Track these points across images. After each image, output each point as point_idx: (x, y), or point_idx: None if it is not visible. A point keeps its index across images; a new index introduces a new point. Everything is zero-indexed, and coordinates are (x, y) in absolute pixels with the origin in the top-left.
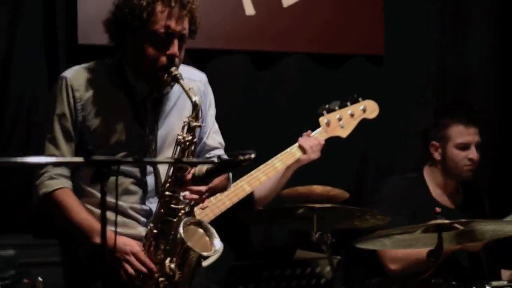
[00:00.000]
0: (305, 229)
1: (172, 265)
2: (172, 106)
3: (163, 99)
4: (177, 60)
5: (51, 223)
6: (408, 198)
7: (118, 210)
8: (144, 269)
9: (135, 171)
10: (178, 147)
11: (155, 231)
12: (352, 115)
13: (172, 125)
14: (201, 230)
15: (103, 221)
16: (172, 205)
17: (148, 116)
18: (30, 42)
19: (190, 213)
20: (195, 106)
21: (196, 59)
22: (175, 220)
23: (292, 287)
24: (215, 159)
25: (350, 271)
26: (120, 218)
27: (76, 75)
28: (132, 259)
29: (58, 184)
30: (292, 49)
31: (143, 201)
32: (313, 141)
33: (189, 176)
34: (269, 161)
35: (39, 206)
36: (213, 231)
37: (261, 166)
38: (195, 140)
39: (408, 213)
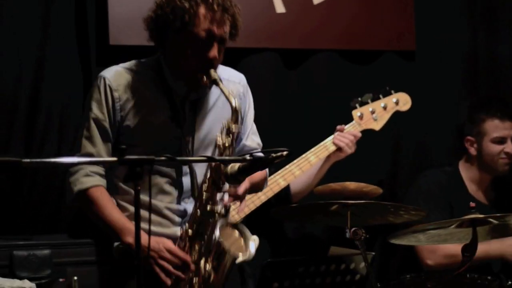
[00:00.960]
0: (338, 225)
1: (208, 267)
2: (211, 107)
3: (202, 100)
4: (216, 63)
5: (86, 222)
6: (445, 191)
7: (153, 209)
8: (179, 262)
9: (171, 171)
10: (217, 150)
11: (190, 232)
12: (385, 108)
13: (210, 127)
14: (236, 233)
15: (137, 220)
16: (209, 207)
17: (186, 117)
18: (62, 43)
19: (227, 214)
20: (235, 111)
21: (226, 57)
22: (211, 221)
23: (326, 284)
24: (248, 157)
25: (384, 267)
26: (155, 217)
27: (115, 75)
28: (166, 254)
29: (93, 181)
30: (322, 46)
31: (178, 201)
32: (348, 137)
33: (230, 194)
34: (303, 155)
35: (73, 203)
36: (249, 234)
37: (295, 161)
38: (234, 145)
39: (445, 206)
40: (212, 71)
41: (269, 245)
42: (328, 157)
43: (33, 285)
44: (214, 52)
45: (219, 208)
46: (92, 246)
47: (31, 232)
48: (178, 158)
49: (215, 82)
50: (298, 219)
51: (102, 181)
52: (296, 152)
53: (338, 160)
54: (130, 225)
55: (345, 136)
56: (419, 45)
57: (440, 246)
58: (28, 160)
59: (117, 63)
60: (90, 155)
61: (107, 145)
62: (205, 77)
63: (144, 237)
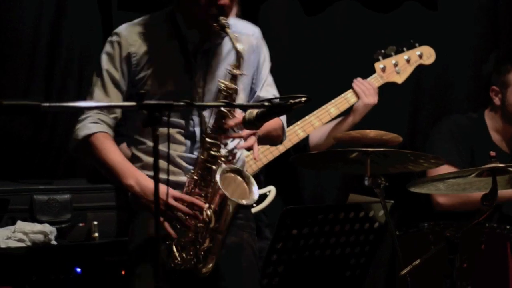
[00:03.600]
0: (358, 173)
1: (209, 212)
2: (223, 59)
3: (214, 51)
4: (227, 9)
5: None
6: (468, 136)
7: (165, 158)
8: (187, 207)
9: (183, 122)
10: (221, 95)
11: (195, 177)
12: (408, 61)
13: (221, 77)
14: (239, 178)
15: (156, 166)
16: (213, 152)
17: (198, 68)
18: None
19: (230, 159)
20: (238, 54)
21: (247, 4)
22: (215, 167)
23: (345, 231)
24: (266, 103)
25: (403, 215)
26: (166, 165)
27: (130, 31)
28: (173, 201)
29: (100, 128)
30: None
31: (191, 151)
32: (366, 84)
33: (230, 123)
34: (323, 106)
35: (76, 151)
36: (252, 179)
37: (315, 112)
38: (237, 88)
39: (466, 150)
40: (221, 18)
41: (288, 193)
42: (350, 114)
43: (53, 229)
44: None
45: (223, 153)
46: (112, 191)
47: (51, 176)
48: (196, 103)
49: (223, 28)
50: (318, 166)
51: (109, 130)
52: (316, 103)
53: (362, 117)
54: (133, 168)
55: (363, 83)
56: None
57: None
58: (47, 104)
59: (137, 6)
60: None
61: (119, 95)
62: (215, 24)
63: (149, 184)
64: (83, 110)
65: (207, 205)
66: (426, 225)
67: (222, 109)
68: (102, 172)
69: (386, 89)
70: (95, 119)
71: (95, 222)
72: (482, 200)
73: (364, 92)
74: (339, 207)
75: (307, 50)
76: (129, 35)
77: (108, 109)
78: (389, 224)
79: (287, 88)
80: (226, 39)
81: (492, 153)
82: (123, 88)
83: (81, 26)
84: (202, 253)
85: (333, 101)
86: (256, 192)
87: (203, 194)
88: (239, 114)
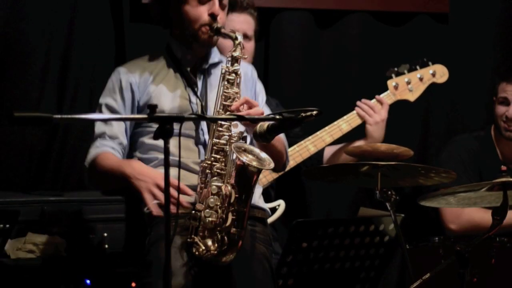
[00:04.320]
0: (368, 186)
1: (229, 187)
2: (220, 78)
3: (211, 69)
4: (218, 18)
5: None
6: (476, 158)
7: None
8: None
9: (193, 132)
10: (224, 80)
11: (209, 162)
12: (421, 79)
13: (219, 95)
14: (250, 155)
15: (167, 178)
16: (223, 133)
17: (198, 84)
18: (95, 1)
19: (241, 139)
20: (236, 39)
21: (259, 16)
22: (226, 147)
23: (355, 244)
24: (277, 116)
25: (413, 229)
26: (182, 172)
27: (129, 65)
28: (156, 190)
29: (101, 150)
30: (355, 7)
31: (203, 156)
32: (369, 104)
33: (234, 106)
34: (335, 122)
35: (91, 183)
36: (263, 154)
37: (326, 127)
38: (239, 71)
39: (475, 173)
40: (214, 23)
41: (298, 207)
42: (365, 138)
43: (63, 240)
44: (214, 7)
45: (233, 133)
46: (122, 203)
47: (62, 188)
48: (207, 116)
49: (218, 30)
50: (328, 179)
51: (113, 151)
52: (327, 117)
53: (381, 135)
54: (129, 161)
55: (365, 103)
56: (453, 7)
57: (465, 210)
58: (59, 116)
59: (149, 20)
60: (103, 133)
61: (120, 125)
62: (209, 31)
63: (141, 166)
64: (94, 122)
65: (224, 183)
66: (437, 239)
67: (226, 91)
68: (113, 185)
69: (398, 104)
70: (97, 145)
71: (105, 234)
72: (493, 214)
73: (368, 112)
74: (349, 220)
75: (319, 64)
76: (129, 68)
77: (110, 135)
78: (399, 238)
79: (298, 102)
80: (221, 64)
81: (504, 168)
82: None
83: (93, 39)
84: (226, 235)
85: (344, 117)
86: (269, 161)
87: (217, 174)
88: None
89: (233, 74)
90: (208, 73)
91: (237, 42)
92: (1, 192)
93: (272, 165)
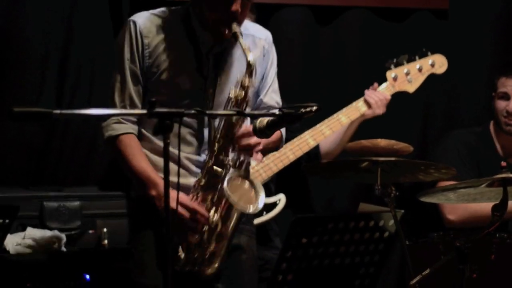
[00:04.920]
0: (368, 182)
1: (216, 217)
2: (233, 62)
3: (226, 54)
4: (239, 16)
5: (116, 175)
6: (474, 152)
7: (173, 159)
8: (190, 214)
9: (193, 122)
10: (230, 103)
11: (202, 182)
12: (420, 70)
13: (231, 81)
14: (247, 184)
15: (166, 173)
16: (221, 157)
17: (210, 70)
18: None
19: (238, 166)
20: (249, 66)
21: (258, 12)
22: (223, 172)
23: (355, 240)
24: (277, 112)
25: (413, 225)
26: (175, 167)
27: (146, 22)
28: (180, 208)
29: (125, 129)
30: (355, 3)
31: (198, 152)
32: (379, 96)
33: (239, 132)
34: (334, 115)
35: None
36: (260, 187)
37: (325, 120)
38: (247, 98)
39: (473, 167)
40: (234, 24)
41: (298, 202)
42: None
43: (63, 236)
44: (236, 6)
45: (230, 159)
46: (122, 199)
47: (61, 183)
48: (208, 111)
49: (234, 35)
50: (328, 175)
51: (134, 128)
52: (327, 111)
53: (366, 119)
54: (156, 177)
55: (376, 94)
56: (452, 3)
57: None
58: (58, 111)
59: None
60: (123, 101)
61: (138, 88)
62: (227, 30)
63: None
64: (97, 116)
65: (213, 210)
66: (436, 235)
67: (232, 118)
68: (127, 173)
69: (397, 99)
70: (119, 118)
71: (105, 229)
72: (493, 211)
73: (377, 103)
74: (349, 216)
75: (319, 60)
76: (145, 25)
77: (131, 103)
78: (399, 233)
79: (298, 97)
80: (236, 48)
81: (503, 164)
82: (140, 79)
83: (92, 36)
84: (208, 255)
85: (343, 110)
86: (262, 200)
87: (209, 198)
88: (247, 127)
89: (240, 102)
90: (221, 58)
91: (250, 67)
92: (1, 187)
93: (261, 205)
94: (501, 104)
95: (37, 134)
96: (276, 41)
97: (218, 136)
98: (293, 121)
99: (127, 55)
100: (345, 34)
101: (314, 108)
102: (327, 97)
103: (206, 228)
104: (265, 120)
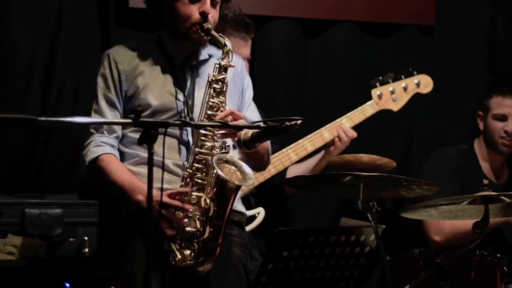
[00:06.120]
0: (351, 197)
1: (207, 200)
2: (207, 71)
3: (200, 66)
4: (210, 18)
5: (97, 184)
6: (459, 170)
7: (160, 167)
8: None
9: (177, 132)
10: (210, 88)
11: (190, 170)
12: (405, 89)
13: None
14: (233, 167)
15: (150, 181)
16: (206, 143)
17: (187, 82)
18: (82, 5)
19: (223, 149)
20: (225, 46)
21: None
22: (209, 158)
23: (336, 254)
24: (262, 124)
25: (394, 241)
26: (165, 175)
27: (118, 51)
28: (168, 199)
29: (104, 150)
30: (342, 17)
31: (186, 158)
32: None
33: (219, 117)
34: (317, 131)
35: (87, 177)
36: (244, 165)
37: (308, 136)
38: (226, 79)
39: (457, 185)
40: (205, 24)
41: (279, 215)
42: (325, 155)
43: (43, 243)
44: (206, 6)
45: (217, 144)
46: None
47: (43, 191)
48: (192, 122)
49: (208, 31)
50: (310, 189)
51: (114, 151)
52: (312, 126)
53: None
54: (140, 184)
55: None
56: (439, 21)
57: (449, 222)
58: (43, 118)
59: (136, 25)
60: (101, 132)
61: (115, 113)
62: (199, 31)
63: (156, 195)
64: (83, 127)
65: (204, 195)
66: (417, 251)
67: (211, 100)
68: (113, 193)
69: (382, 114)
70: (98, 142)
71: (86, 238)
72: (474, 228)
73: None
74: (330, 230)
75: (305, 72)
76: (118, 54)
77: (108, 129)
78: (380, 248)
79: (283, 110)
80: (211, 59)
81: (485, 182)
82: (118, 107)
83: (79, 43)
84: (202, 246)
85: (327, 125)
86: (250, 173)
87: (198, 184)
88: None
89: (220, 83)
90: (197, 70)
91: (226, 49)
92: None
93: (252, 181)
94: (497, 124)
95: (20, 141)
96: (263, 54)
97: (202, 118)
98: (278, 133)
99: (101, 84)
100: (331, 48)
101: (299, 121)
102: (312, 110)
103: (198, 214)
104: (249, 132)
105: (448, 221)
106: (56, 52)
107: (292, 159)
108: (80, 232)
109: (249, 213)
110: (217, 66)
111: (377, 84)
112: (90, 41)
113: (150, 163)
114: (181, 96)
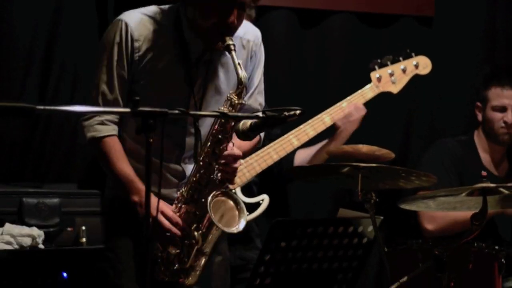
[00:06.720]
0: (349, 187)
1: (196, 233)
2: (223, 71)
3: (215, 62)
4: (234, 29)
5: (96, 173)
6: (458, 161)
7: (153, 168)
8: (172, 226)
9: (176, 130)
10: (219, 120)
11: (186, 196)
12: (404, 71)
13: (219, 90)
14: (231, 203)
15: (147, 175)
16: (206, 173)
17: (198, 78)
18: None
19: (223, 183)
20: (240, 83)
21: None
22: (206, 189)
23: (334, 245)
24: (260, 114)
25: (392, 232)
26: (154, 176)
27: (137, 24)
28: (161, 217)
29: (108, 130)
30: (340, 7)
31: (178, 161)
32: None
33: (227, 151)
34: (318, 116)
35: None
36: (243, 206)
37: (309, 121)
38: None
39: (456, 176)
40: (227, 38)
41: (279, 205)
42: (334, 137)
43: (41, 233)
44: (232, 17)
45: (216, 176)
46: (99, 197)
47: (41, 180)
48: (191, 112)
49: (227, 48)
50: (310, 179)
51: (116, 130)
52: (311, 114)
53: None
54: (139, 184)
55: (343, 117)
56: (438, 12)
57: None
58: (42, 107)
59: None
60: (108, 102)
61: (123, 92)
62: (219, 42)
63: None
64: (81, 113)
65: (195, 225)
66: (415, 242)
67: (218, 136)
68: (109, 175)
69: (381, 105)
70: (103, 119)
71: (83, 227)
72: (472, 220)
73: (345, 124)
74: (328, 221)
75: (303, 62)
76: (136, 27)
77: (113, 101)
78: (378, 240)
79: (282, 99)
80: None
81: (484, 173)
82: (127, 81)
83: (77, 33)
84: (187, 267)
85: (328, 110)
86: (245, 221)
87: (192, 213)
88: (234, 148)
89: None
90: (212, 64)
91: (241, 86)
92: None
93: (240, 228)
94: (496, 115)
95: (18, 130)
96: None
97: (205, 153)
98: (277, 124)
99: (115, 57)
100: (329, 38)
101: (298, 111)
102: (311, 99)
103: (187, 242)
104: (248, 122)
105: (448, 216)
106: (54, 43)
107: (294, 144)
108: (78, 222)
109: (253, 200)
110: (229, 100)
111: (376, 67)
112: (89, 32)
113: (147, 154)
114: (190, 92)
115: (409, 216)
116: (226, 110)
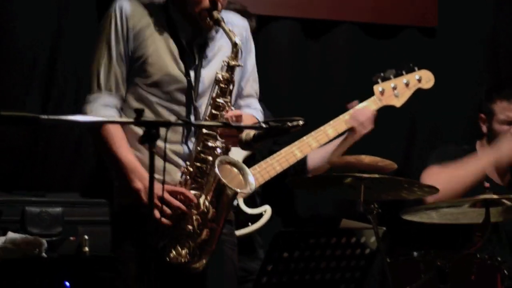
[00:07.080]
0: (351, 198)
1: (206, 202)
2: (216, 51)
3: (208, 44)
4: (219, 4)
5: (99, 182)
6: None
7: (160, 155)
8: (179, 201)
9: (181, 110)
10: (217, 86)
11: (191, 169)
12: (407, 85)
13: (215, 69)
14: (235, 169)
15: (151, 180)
16: (209, 143)
17: (193, 59)
18: (83, 3)
19: (226, 151)
20: (235, 46)
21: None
22: (211, 158)
23: (336, 256)
24: (263, 125)
25: (395, 243)
26: (160, 162)
27: (130, 5)
28: (167, 195)
29: (111, 115)
30: (344, 18)
31: (185, 140)
32: (361, 116)
33: (227, 114)
34: (321, 128)
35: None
36: (247, 170)
37: (312, 133)
38: (233, 79)
39: None
40: (215, 12)
41: (281, 215)
42: (345, 139)
43: (44, 241)
44: None
45: (219, 144)
46: (104, 206)
47: (44, 189)
48: (194, 122)
49: (217, 21)
50: (312, 190)
51: (118, 113)
52: (314, 125)
53: (356, 141)
54: (143, 171)
55: (359, 116)
56: (441, 22)
57: (444, 172)
58: (45, 116)
59: None
60: (108, 83)
61: (123, 70)
62: (208, 18)
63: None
64: (84, 123)
65: (203, 196)
66: (417, 253)
67: (218, 100)
68: (110, 166)
69: (383, 116)
70: (106, 101)
71: (86, 237)
72: (475, 231)
73: (362, 124)
74: (331, 232)
75: (306, 72)
76: (129, 8)
77: (116, 87)
78: (380, 250)
79: (285, 109)
80: (219, 34)
81: (487, 184)
82: (125, 63)
83: (80, 40)
84: (198, 246)
85: (331, 122)
86: (252, 182)
87: (198, 185)
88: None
89: (227, 83)
90: (204, 48)
91: (235, 49)
92: None
93: (252, 188)
94: (504, 128)
95: (21, 139)
96: (265, 54)
97: (207, 115)
98: (280, 134)
99: (112, 36)
100: (333, 48)
101: (301, 122)
102: (314, 110)
103: (196, 215)
104: (251, 133)
105: (445, 171)
106: (58, 52)
107: (297, 156)
108: (80, 231)
109: (255, 211)
110: (225, 64)
111: (379, 80)
112: (92, 41)
113: (151, 163)
114: (185, 73)
115: (411, 227)
116: (224, 74)
